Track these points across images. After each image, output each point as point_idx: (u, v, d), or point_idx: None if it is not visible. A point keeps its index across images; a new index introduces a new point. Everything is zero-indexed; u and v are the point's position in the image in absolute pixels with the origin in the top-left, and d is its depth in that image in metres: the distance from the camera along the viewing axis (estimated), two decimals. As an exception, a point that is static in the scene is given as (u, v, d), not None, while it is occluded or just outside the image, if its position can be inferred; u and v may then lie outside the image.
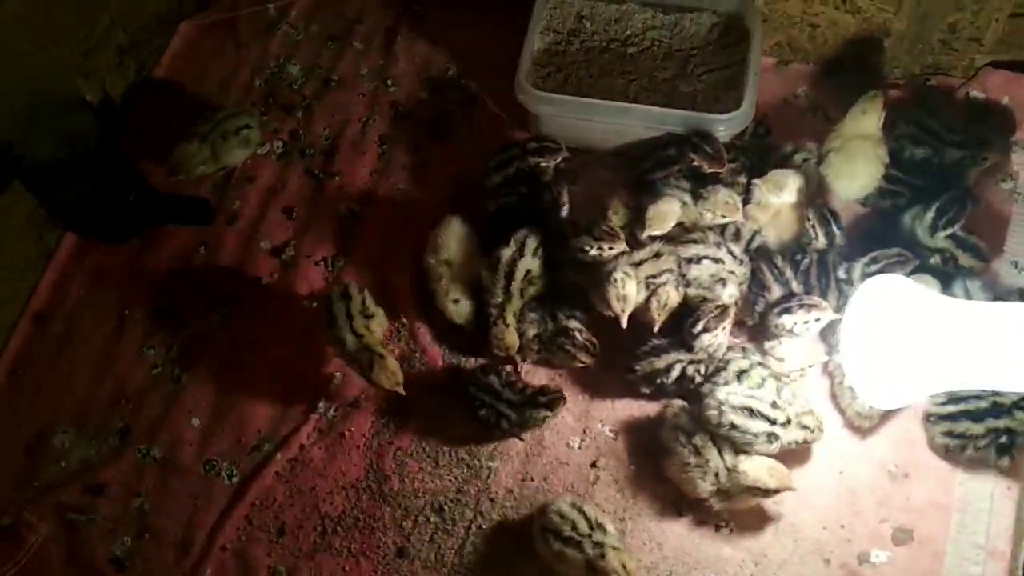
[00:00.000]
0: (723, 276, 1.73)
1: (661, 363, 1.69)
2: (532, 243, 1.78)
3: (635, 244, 1.77)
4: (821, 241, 1.74)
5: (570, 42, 2.04)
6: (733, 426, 1.62)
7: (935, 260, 1.72)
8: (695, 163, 1.83)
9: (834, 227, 1.74)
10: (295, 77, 2.17)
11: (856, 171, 1.79)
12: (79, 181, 1.83)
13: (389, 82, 2.14)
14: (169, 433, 1.79)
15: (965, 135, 1.84)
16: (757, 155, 1.89)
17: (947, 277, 1.70)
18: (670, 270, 1.73)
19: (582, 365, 1.75)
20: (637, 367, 1.71)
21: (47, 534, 1.71)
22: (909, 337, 1.28)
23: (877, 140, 1.80)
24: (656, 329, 1.71)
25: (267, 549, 1.68)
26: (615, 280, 1.67)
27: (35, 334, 1.90)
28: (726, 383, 1.67)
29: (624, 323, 1.69)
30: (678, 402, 1.69)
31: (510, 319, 1.74)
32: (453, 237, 1.82)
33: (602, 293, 1.69)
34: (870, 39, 1.98)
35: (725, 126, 1.85)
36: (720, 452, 1.59)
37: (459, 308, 1.80)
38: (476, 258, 1.81)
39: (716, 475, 1.58)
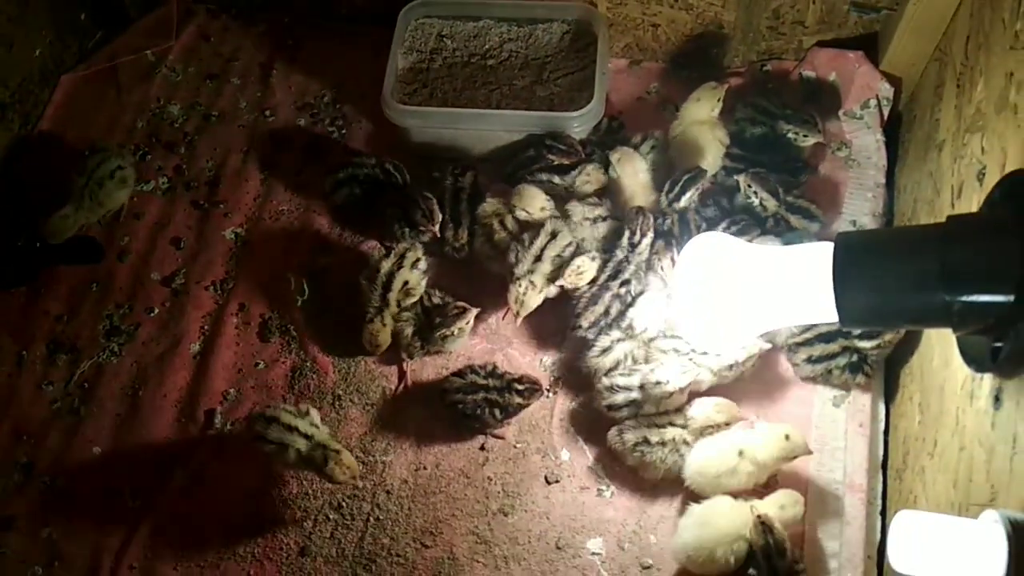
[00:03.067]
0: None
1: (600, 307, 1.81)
2: (412, 256, 1.88)
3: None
4: (673, 195, 1.87)
5: (433, 59, 2.16)
6: (610, 408, 1.75)
7: (770, 224, 1.87)
8: (555, 162, 1.96)
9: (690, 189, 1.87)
10: (176, 116, 2.26)
11: (698, 153, 1.94)
12: (-37, 231, 1.91)
13: (267, 113, 2.25)
14: (71, 463, 1.84)
15: (796, 113, 1.99)
16: (612, 148, 2.03)
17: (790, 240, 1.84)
18: (569, 243, 1.86)
19: (465, 329, 1.85)
20: (582, 322, 1.81)
21: (-42, 573, 1.75)
22: (729, 284, 1.40)
23: (713, 124, 1.96)
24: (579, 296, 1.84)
25: (174, 563, 1.74)
26: (518, 286, 1.81)
27: (-67, 383, 1.95)
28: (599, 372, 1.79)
29: (518, 323, 1.86)
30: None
31: (387, 320, 1.84)
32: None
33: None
34: (709, 33, 2.14)
35: (578, 122, 1.98)
36: (669, 425, 1.70)
37: None
38: None
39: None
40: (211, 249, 2.07)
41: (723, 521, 1.59)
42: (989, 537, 1.00)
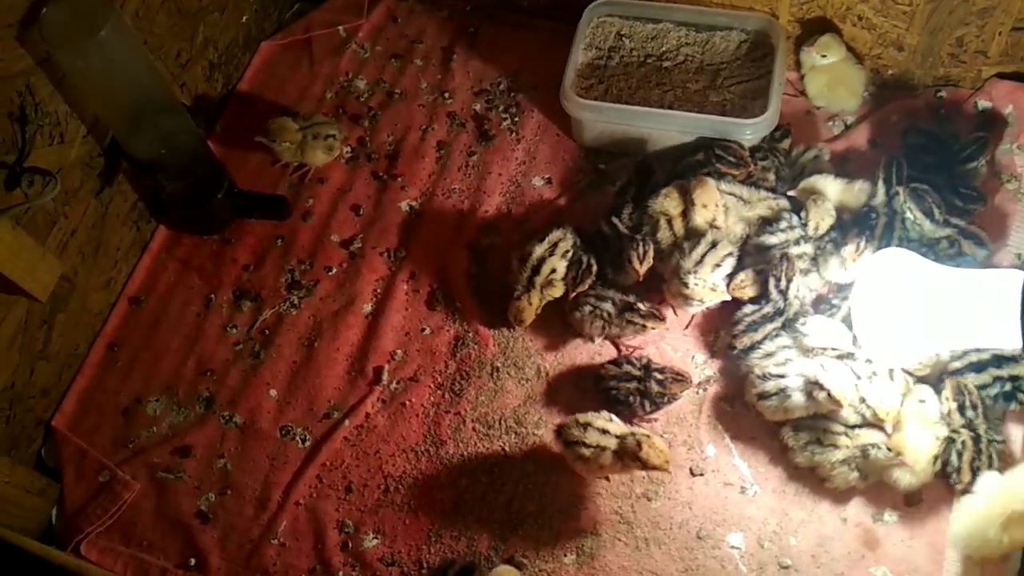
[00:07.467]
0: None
1: (760, 335, 1.87)
2: (564, 246, 1.97)
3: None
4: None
5: (610, 57, 2.24)
6: (761, 396, 1.81)
7: (943, 247, 1.88)
8: (722, 171, 2.02)
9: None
10: (362, 91, 2.40)
11: (843, 89, 2.15)
12: (175, 178, 2.08)
13: (446, 95, 2.37)
14: (249, 402, 2.00)
15: (969, 143, 2.00)
16: (783, 156, 2.09)
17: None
18: (729, 253, 1.91)
19: (654, 329, 1.94)
20: (737, 344, 1.88)
21: (140, 491, 1.92)
22: (912, 301, 1.45)
23: (844, 61, 2.13)
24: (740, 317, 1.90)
25: (336, 505, 1.88)
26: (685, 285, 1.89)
27: (130, 314, 2.13)
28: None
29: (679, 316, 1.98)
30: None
31: (534, 299, 1.94)
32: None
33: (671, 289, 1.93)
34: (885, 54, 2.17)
35: (751, 130, 2.04)
36: (843, 435, 1.73)
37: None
38: None
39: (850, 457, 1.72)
40: (387, 218, 2.20)
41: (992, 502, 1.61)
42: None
